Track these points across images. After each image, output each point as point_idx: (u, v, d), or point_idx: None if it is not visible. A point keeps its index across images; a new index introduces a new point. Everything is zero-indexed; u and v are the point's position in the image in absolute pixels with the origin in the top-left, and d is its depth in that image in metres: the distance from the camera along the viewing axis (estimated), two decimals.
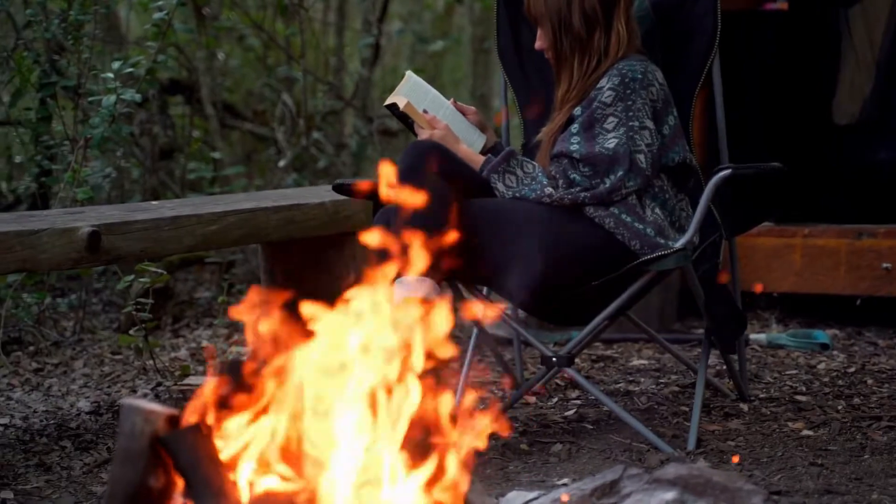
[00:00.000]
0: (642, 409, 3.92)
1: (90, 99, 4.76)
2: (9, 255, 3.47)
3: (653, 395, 4.08)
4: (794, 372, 4.39)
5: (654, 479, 2.83)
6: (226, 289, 5.35)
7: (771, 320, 5.18)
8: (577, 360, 4.59)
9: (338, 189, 3.69)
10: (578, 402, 4.02)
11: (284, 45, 7.10)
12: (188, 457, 2.22)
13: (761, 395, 4.06)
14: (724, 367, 4.10)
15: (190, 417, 2.27)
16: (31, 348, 5.00)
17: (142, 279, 4.42)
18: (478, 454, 3.46)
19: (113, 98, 4.54)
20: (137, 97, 4.61)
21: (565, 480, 3.23)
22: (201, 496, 2.22)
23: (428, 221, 3.43)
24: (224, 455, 2.27)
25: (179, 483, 2.25)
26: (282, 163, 6.75)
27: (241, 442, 2.29)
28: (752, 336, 4.83)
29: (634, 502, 2.76)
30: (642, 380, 4.29)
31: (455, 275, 3.60)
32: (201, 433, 2.24)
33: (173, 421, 2.25)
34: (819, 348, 4.70)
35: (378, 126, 7.39)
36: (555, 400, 4.07)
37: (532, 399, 4.08)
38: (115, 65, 4.62)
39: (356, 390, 2.33)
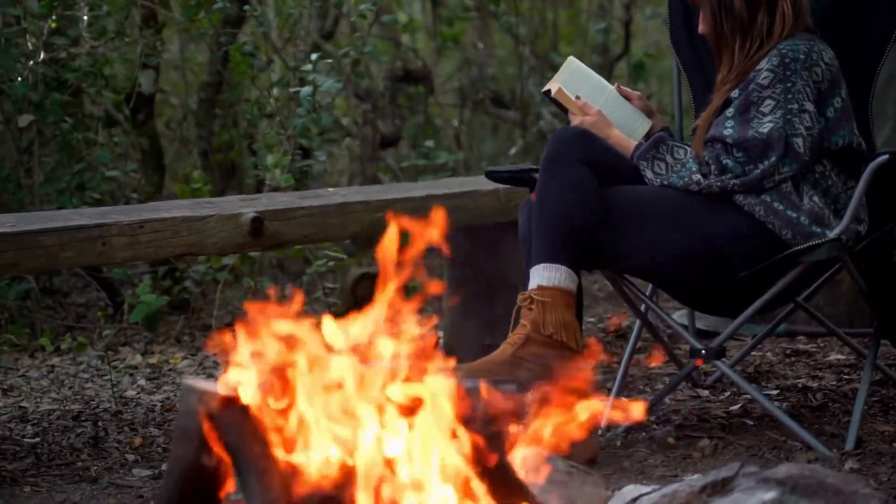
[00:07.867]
0: (814, 406, 3.74)
1: (292, 90, 4.91)
2: (175, 239, 3.65)
3: (830, 391, 3.88)
4: None
5: (762, 478, 2.71)
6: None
7: None
8: (769, 354, 4.44)
9: (490, 176, 3.69)
10: (748, 396, 3.87)
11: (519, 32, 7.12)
12: (234, 436, 2.28)
13: None
14: None
15: (245, 398, 2.32)
16: None
17: (329, 263, 4.55)
18: (619, 446, 3.43)
19: (310, 89, 4.67)
20: (335, 88, 4.73)
21: (695, 476, 3.12)
22: (246, 475, 2.27)
23: (569, 212, 3.40)
24: (273, 435, 2.31)
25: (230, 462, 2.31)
26: (513, 150, 6.77)
27: (291, 422, 2.32)
28: None
29: (732, 501, 2.66)
30: (826, 375, 4.09)
31: (602, 265, 3.54)
32: (248, 413, 2.29)
33: (227, 401, 2.31)
34: None
35: None
36: (727, 394, 3.94)
37: (705, 392, 3.96)
38: (314, 56, 4.74)
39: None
